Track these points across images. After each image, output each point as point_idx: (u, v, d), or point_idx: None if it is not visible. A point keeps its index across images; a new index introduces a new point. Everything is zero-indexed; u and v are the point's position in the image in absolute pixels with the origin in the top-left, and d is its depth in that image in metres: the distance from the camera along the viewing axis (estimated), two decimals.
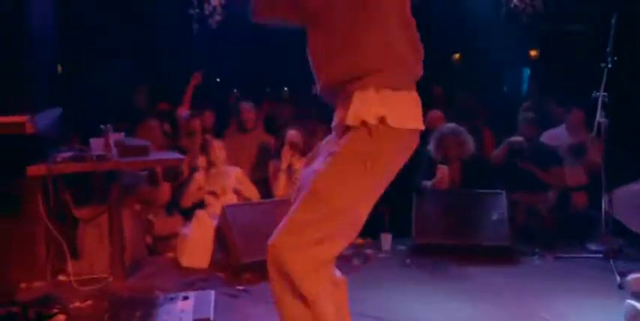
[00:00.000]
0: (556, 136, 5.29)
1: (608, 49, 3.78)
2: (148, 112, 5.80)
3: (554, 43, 6.36)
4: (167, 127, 5.64)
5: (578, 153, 4.99)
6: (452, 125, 4.75)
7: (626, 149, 4.69)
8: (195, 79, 5.42)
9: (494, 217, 4.29)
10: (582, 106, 5.05)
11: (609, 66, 3.81)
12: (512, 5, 5.47)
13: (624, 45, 3.89)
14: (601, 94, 3.96)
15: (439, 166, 4.62)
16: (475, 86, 11.50)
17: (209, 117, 5.47)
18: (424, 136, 4.58)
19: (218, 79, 14.75)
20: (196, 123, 5.05)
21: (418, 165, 4.68)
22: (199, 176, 4.74)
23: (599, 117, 4.07)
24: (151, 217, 4.74)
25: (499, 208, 4.34)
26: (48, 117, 3.44)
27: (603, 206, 4.22)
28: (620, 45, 3.81)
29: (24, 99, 3.43)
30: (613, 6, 5.39)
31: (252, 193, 4.80)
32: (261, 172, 5.18)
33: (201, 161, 4.81)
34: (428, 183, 4.66)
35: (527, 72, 12.87)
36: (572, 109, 5.15)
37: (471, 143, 4.69)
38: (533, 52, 11.43)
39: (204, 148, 4.82)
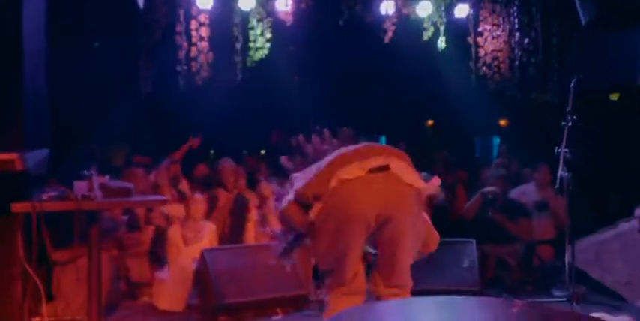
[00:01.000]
0: (525, 192, 5.54)
1: (567, 109, 4.09)
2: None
3: (521, 112, 6.77)
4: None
5: (542, 208, 5.24)
6: (423, 174, 5.02)
7: (588, 201, 4.94)
8: (193, 143, 5.53)
9: (465, 264, 4.46)
10: (549, 164, 5.36)
11: (569, 124, 4.11)
12: (480, 72, 5.86)
13: (584, 105, 4.22)
14: (562, 150, 4.22)
15: None
16: (448, 152, 11.98)
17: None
18: None
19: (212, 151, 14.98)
20: (177, 168, 5.17)
21: None
22: (174, 229, 4.73)
23: (562, 171, 4.32)
24: (127, 262, 4.77)
25: (470, 255, 4.53)
26: (36, 157, 3.55)
27: (567, 256, 4.43)
28: (580, 105, 4.14)
29: (14, 137, 3.55)
30: (573, 72, 5.88)
31: None
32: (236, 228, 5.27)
33: (178, 212, 4.87)
34: None
35: (497, 140, 13.42)
36: (540, 166, 5.42)
37: (439, 191, 4.94)
38: (502, 122, 12.01)
39: (184, 200, 4.90)
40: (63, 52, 4.58)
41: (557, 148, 4.30)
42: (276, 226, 4.84)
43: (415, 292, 4.31)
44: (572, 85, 4.07)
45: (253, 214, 4.96)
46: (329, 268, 2.69)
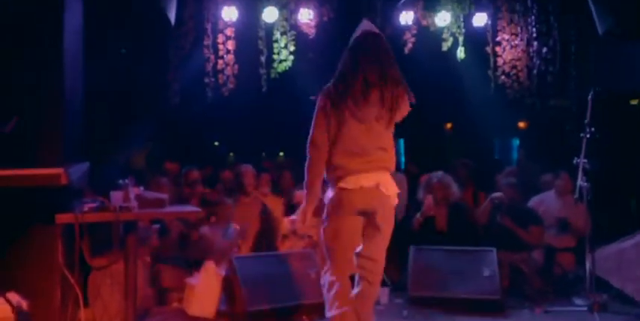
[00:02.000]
0: (544, 200, 5.63)
1: (586, 121, 4.20)
2: (150, 172, 6.14)
3: (540, 116, 6.86)
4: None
5: (564, 227, 5.34)
6: (439, 173, 5.28)
7: (608, 209, 5.02)
8: None
9: (486, 273, 4.56)
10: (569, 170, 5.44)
11: (588, 136, 4.22)
12: (499, 81, 5.96)
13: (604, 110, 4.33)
14: (581, 161, 4.33)
15: (425, 195, 5.09)
16: (467, 154, 12.04)
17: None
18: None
19: (216, 143, 15.21)
20: (195, 174, 5.34)
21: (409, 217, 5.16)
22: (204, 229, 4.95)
23: (581, 181, 4.43)
24: (159, 268, 4.95)
25: (490, 264, 4.62)
26: (79, 170, 3.74)
27: (587, 265, 4.53)
28: (600, 111, 4.25)
29: (58, 152, 3.75)
30: (590, 82, 5.96)
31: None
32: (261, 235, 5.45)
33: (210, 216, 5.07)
34: (417, 215, 5.09)
35: (516, 142, 13.44)
36: (560, 173, 5.51)
37: (455, 187, 5.25)
38: (521, 124, 12.04)
39: (215, 205, 5.09)
40: (94, 62, 4.76)
41: (576, 158, 4.42)
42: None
43: (436, 301, 4.48)
44: (589, 97, 4.18)
45: (285, 224, 5.10)
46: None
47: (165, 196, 4.04)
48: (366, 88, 3.05)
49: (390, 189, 3.14)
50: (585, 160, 4.37)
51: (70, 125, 3.89)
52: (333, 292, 3.08)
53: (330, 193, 3.19)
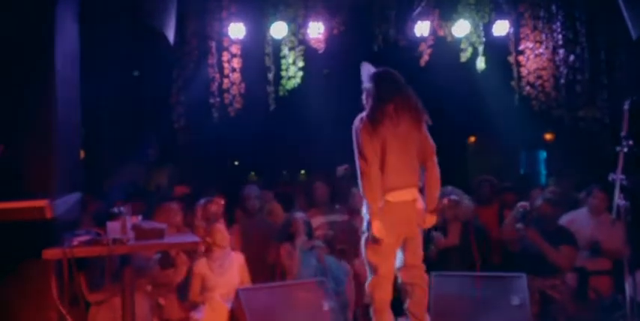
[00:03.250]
0: (576, 220, 5.22)
1: (622, 134, 3.82)
2: (166, 193, 5.90)
3: (568, 127, 6.47)
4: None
5: (595, 252, 4.93)
6: (448, 188, 4.94)
7: None
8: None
9: (515, 301, 4.19)
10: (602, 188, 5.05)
11: (625, 150, 3.84)
12: (524, 92, 5.61)
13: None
14: (618, 177, 3.95)
15: (433, 233, 4.79)
16: (490, 168, 11.66)
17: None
18: None
19: (236, 163, 15.05)
20: (213, 208, 5.06)
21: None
22: (200, 265, 4.62)
23: (618, 200, 4.04)
24: (161, 300, 4.68)
25: (520, 292, 4.24)
26: (67, 201, 3.51)
27: (627, 290, 4.12)
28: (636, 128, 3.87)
29: (44, 183, 3.53)
30: (623, 91, 5.57)
31: (246, 284, 4.67)
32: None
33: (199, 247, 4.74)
34: (431, 247, 4.80)
35: (543, 155, 12.99)
36: (593, 190, 5.12)
37: (466, 203, 4.99)
38: (548, 136, 11.58)
39: (207, 232, 4.79)
40: (95, 85, 4.56)
41: (612, 174, 4.03)
42: None
43: None
44: (625, 107, 3.81)
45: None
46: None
47: (163, 226, 3.77)
48: (397, 112, 3.63)
49: (421, 203, 3.72)
50: (623, 177, 3.98)
51: (61, 156, 3.68)
52: (375, 303, 3.68)
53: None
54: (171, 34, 4.34)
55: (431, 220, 3.79)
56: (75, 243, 3.38)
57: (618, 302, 4.36)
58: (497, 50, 5.67)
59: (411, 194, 3.66)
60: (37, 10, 3.73)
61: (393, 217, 3.60)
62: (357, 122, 3.69)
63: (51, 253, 3.29)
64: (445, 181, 5.74)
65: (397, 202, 3.61)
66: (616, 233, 4.52)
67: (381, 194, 3.59)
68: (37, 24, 3.76)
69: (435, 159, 3.76)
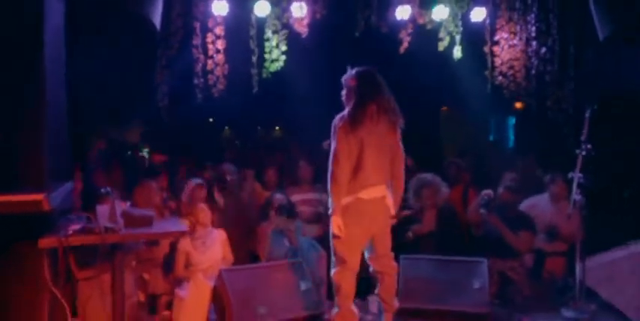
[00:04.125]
0: (537, 205, 5.57)
1: (582, 139, 4.13)
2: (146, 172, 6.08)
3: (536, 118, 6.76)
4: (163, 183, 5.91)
5: (552, 236, 5.30)
6: (428, 176, 5.28)
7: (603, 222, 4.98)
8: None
9: (476, 285, 4.55)
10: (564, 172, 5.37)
11: (583, 153, 4.15)
12: (497, 82, 5.83)
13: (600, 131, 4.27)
14: (577, 176, 4.28)
15: (415, 201, 5.22)
16: (461, 135, 11.98)
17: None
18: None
19: (211, 120, 15.07)
20: (199, 193, 5.22)
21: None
22: (184, 243, 4.83)
23: (575, 194, 4.39)
24: (145, 275, 4.92)
25: (480, 276, 4.60)
26: (61, 193, 3.66)
27: (577, 274, 4.52)
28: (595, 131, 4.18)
29: (40, 174, 3.66)
30: (589, 84, 5.84)
31: (228, 259, 4.98)
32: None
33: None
34: (409, 233, 5.15)
35: (512, 121, 13.35)
36: (555, 179, 5.44)
37: (444, 189, 5.32)
38: (518, 104, 11.88)
39: (191, 212, 5.01)
40: (79, 62, 4.62)
41: (571, 173, 4.37)
42: None
43: (425, 312, 4.48)
44: (586, 115, 4.10)
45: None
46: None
47: (152, 213, 3.97)
48: (378, 112, 3.84)
49: (390, 199, 3.96)
50: (581, 175, 4.32)
51: (53, 144, 3.79)
52: (341, 291, 3.91)
53: (343, 201, 3.81)
54: (157, 20, 4.41)
55: (393, 221, 4.05)
56: (69, 232, 3.59)
57: (569, 284, 4.77)
58: (473, 38, 5.83)
59: (381, 191, 3.88)
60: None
61: (364, 213, 3.84)
62: (337, 120, 3.84)
63: (47, 242, 3.48)
64: (421, 148, 6.13)
65: (369, 199, 3.83)
66: (572, 219, 4.90)
67: (348, 192, 3.79)
68: (26, 11, 3.78)
69: (403, 168, 4.00)
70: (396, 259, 4.72)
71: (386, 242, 4.02)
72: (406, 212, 5.13)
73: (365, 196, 3.82)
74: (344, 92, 3.99)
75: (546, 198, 5.56)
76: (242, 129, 16.24)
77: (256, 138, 17.04)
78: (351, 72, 3.95)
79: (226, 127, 17.12)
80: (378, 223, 3.92)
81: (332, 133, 3.84)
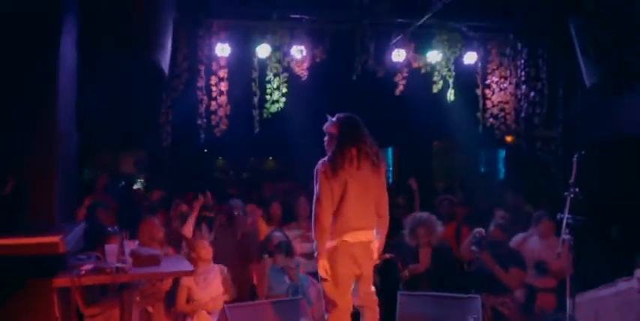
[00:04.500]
0: (527, 241, 5.77)
1: (570, 182, 4.34)
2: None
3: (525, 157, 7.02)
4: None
5: (541, 270, 5.49)
6: (424, 215, 5.47)
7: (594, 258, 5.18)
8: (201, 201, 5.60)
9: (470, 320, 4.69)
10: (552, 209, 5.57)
11: (571, 196, 4.36)
12: (488, 124, 6.09)
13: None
14: (565, 216, 4.48)
15: (410, 239, 5.36)
16: (453, 167, 12.19)
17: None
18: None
19: (205, 150, 15.26)
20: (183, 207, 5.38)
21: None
22: (186, 278, 4.91)
23: (564, 234, 4.58)
24: (149, 308, 5.04)
25: (474, 312, 4.74)
26: (76, 235, 3.81)
27: (567, 310, 4.69)
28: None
29: (48, 212, 3.83)
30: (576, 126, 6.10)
31: (229, 294, 5.11)
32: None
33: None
34: (405, 272, 5.32)
35: (502, 153, 13.63)
36: (541, 219, 5.66)
37: (439, 228, 5.46)
38: (509, 138, 12.18)
39: (192, 248, 5.17)
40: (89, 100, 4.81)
41: (559, 214, 4.56)
42: None
43: None
44: (574, 159, 4.32)
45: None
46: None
47: (159, 253, 4.14)
48: (359, 156, 3.91)
49: (376, 244, 4.03)
50: (569, 216, 4.51)
51: (63, 182, 3.97)
52: None
53: (329, 244, 3.87)
54: (166, 67, 4.62)
55: (376, 261, 4.12)
56: (82, 272, 3.73)
57: (559, 319, 4.93)
58: (466, 83, 6.10)
59: (367, 236, 3.93)
60: (43, 38, 3.93)
61: (350, 255, 3.88)
62: (319, 165, 3.90)
63: (61, 282, 3.63)
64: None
65: (354, 242, 3.87)
66: (562, 257, 5.08)
67: (333, 234, 3.84)
68: (42, 53, 3.98)
69: (387, 211, 4.06)
70: (394, 295, 4.90)
71: (369, 281, 4.06)
72: (387, 256, 5.25)
73: (350, 239, 3.87)
74: (326, 138, 4.07)
75: (534, 234, 5.76)
76: (235, 159, 16.45)
77: (250, 168, 17.26)
78: (331, 119, 4.03)
79: (220, 158, 17.33)
80: (364, 266, 3.96)
81: (315, 178, 3.90)
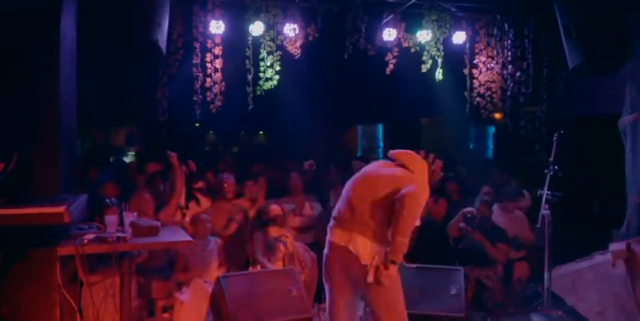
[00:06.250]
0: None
1: (550, 160, 4.56)
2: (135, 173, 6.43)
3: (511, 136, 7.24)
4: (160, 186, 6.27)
5: (518, 247, 5.77)
6: None
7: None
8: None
9: (453, 291, 4.95)
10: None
11: (551, 173, 4.59)
12: (474, 102, 6.26)
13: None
14: (545, 193, 4.72)
15: None
16: (442, 144, 12.40)
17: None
18: None
19: (197, 124, 15.38)
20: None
21: None
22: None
23: (543, 210, 4.82)
24: (146, 279, 5.25)
25: (457, 283, 5.00)
26: (79, 205, 3.99)
27: (545, 282, 4.96)
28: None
29: (52, 184, 4.00)
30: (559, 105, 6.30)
31: (224, 267, 5.36)
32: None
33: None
34: None
35: (491, 130, 13.84)
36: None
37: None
38: (497, 115, 12.36)
39: (192, 222, 5.39)
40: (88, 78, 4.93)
41: (539, 190, 4.80)
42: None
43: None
44: (554, 138, 4.53)
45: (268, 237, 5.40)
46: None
47: (157, 223, 4.33)
48: None
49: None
50: (548, 192, 4.75)
51: (64, 156, 4.13)
52: None
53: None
54: (163, 45, 4.74)
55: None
56: (85, 241, 3.93)
57: (538, 292, 5.21)
58: (454, 60, 6.26)
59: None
60: (44, 16, 4.08)
61: None
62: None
63: (65, 250, 3.84)
64: None
65: None
66: (523, 225, 5.61)
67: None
68: (44, 30, 4.12)
69: None
70: None
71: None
72: None
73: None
74: None
75: (497, 210, 6.07)
76: (226, 133, 16.56)
77: (240, 142, 17.39)
78: None
79: (210, 132, 17.43)
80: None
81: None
